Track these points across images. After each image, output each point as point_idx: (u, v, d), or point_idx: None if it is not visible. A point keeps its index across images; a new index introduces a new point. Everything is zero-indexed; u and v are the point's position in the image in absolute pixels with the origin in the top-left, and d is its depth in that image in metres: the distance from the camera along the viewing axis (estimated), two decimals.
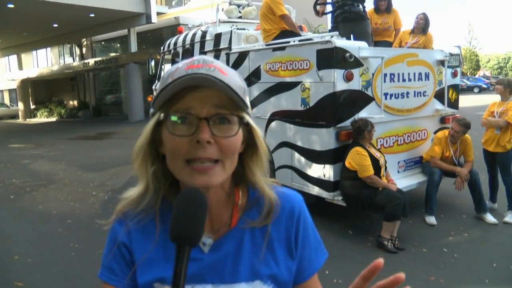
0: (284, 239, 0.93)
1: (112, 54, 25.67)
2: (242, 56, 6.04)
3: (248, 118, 0.83)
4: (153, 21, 18.71)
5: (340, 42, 4.58)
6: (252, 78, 5.79)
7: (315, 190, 4.95)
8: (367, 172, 4.39)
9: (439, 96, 5.65)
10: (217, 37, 6.97)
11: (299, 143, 5.10)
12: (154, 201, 0.89)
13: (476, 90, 36.31)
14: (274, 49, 5.42)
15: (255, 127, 0.86)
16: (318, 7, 5.67)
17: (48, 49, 31.01)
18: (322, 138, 4.79)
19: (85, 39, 26.33)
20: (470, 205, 5.45)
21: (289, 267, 0.93)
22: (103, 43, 27.54)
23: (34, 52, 32.13)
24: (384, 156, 4.71)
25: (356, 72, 4.65)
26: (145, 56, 19.43)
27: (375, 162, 4.47)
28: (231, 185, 0.91)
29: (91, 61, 24.05)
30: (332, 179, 4.71)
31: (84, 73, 26.92)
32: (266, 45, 5.67)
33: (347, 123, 4.67)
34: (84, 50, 27.09)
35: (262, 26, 5.73)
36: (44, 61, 32.04)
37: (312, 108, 4.87)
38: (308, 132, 4.97)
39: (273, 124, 5.49)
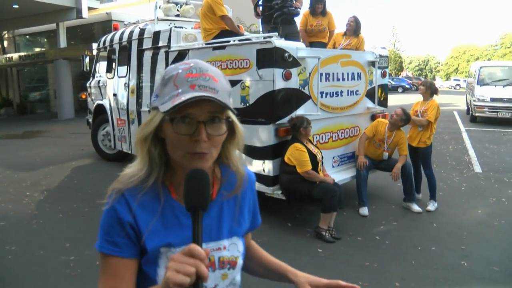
0: (249, 204, 1.25)
1: (38, 49, 24.31)
2: (182, 54, 6.08)
3: (232, 116, 1.06)
4: (83, 16, 17.93)
5: (279, 42, 4.77)
6: None
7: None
8: (305, 167, 4.62)
9: (370, 95, 6.04)
10: (156, 35, 6.95)
11: None
12: (158, 177, 1.07)
13: (400, 90, 38.76)
14: (214, 48, 5.51)
15: (236, 120, 1.09)
16: (257, 9, 5.84)
17: None
18: (262, 135, 4.96)
19: (6, 31, 24.72)
20: (398, 196, 5.90)
21: (249, 225, 1.27)
22: (27, 37, 25.98)
23: None
24: (321, 152, 4.97)
25: (294, 71, 4.87)
26: (75, 52, 18.65)
27: (313, 157, 4.72)
28: (213, 163, 1.12)
29: (15, 56, 22.57)
30: (271, 174, 4.90)
31: (7, 68, 25.22)
32: (206, 44, 5.76)
33: (286, 120, 4.88)
34: (5, 43, 25.40)
35: (203, 25, 5.79)
36: None
37: (252, 106, 5.03)
38: (247, 129, 5.11)
39: None
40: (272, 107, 4.84)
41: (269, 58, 4.77)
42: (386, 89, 6.41)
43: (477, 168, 7.91)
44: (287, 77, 4.79)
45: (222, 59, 5.37)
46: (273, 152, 4.91)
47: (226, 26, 5.64)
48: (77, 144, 11.62)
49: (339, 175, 5.53)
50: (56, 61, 19.46)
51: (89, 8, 18.71)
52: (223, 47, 5.39)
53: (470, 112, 15.65)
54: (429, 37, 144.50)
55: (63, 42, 19.59)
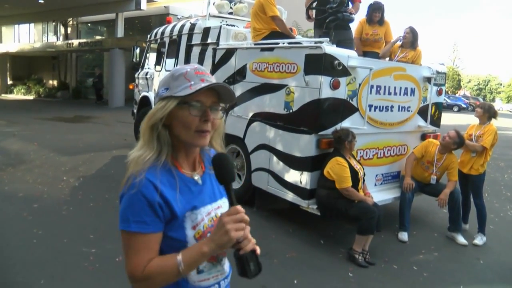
0: None
1: (98, 37, 25.11)
2: (229, 53, 5.92)
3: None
4: (142, 7, 18.36)
5: (330, 48, 4.50)
6: (237, 76, 5.68)
7: (290, 196, 4.87)
8: (345, 184, 4.32)
9: (423, 112, 5.65)
10: (206, 31, 6.83)
11: (278, 147, 5.01)
12: (167, 156, 1.31)
13: (455, 109, 37.10)
14: (262, 49, 5.32)
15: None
16: (310, 12, 5.56)
17: (32, 25, 30.14)
18: (302, 144, 4.71)
19: (71, 19, 25.71)
20: (443, 223, 5.47)
21: None
22: (89, 25, 26.91)
23: (16, 26, 31.19)
24: (363, 169, 4.65)
25: (343, 80, 4.58)
26: (131, 43, 18.93)
27: (354, 174, 4.41)
28: None
29: (75, 42, 23.40)
30: (308, 186, 4.64)
31: (67, 53, 26.19)
32: (255, 44, 5.57)
33: (329, 131, 4.60)
34: (69, 30, 26.42)
35: (253, 25, 5.61)
36: (26, 37, 31.08)
37: (295, 113, 4.78)
38: (288, 136, 4.88)
39: (254, 124, 5.38)
40: (316, 116, 4.58)
41: (317, 64, 4.51)
42: (440, 108, 5.97)
43: None
44: (335, 86, 4.51)
45: (269, 61, 5.16)
46: (313, 164, 4.64)
47: (276, 27, 5.42)
48: (122, 133, 11.78)
49: (381, 195, 5.18)
50: (112, 50, 19.98)
51: (148, 1, 19.07)
52: (271, 49, 5.18)
53: None
54: (492, 57, 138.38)
55: (120, 32, 20.10)
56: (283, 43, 5.10)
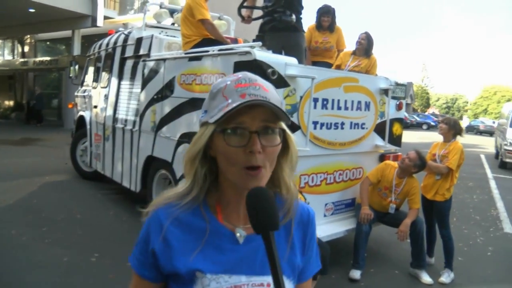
0: (302, 240, 1.08)
1: (54, 56, 24.07)
2: (158, 64, 5.14)
3: (284, 127, 0.99)
4: (98, 24, 17.49)
5: (261, 54, 3.74)
6: (166, 91, 4.89)
7: None
8: None
9: (380, 130, 4.93)
10: (138, 42, 6.03)
11: None
12: (198, 195, 1.00)
13: (424, 127, 37.44)
14: (191, 59, 4.54)
15: (289, 132, 1.01)
16: (243, 11, 4.77)
17: None
18: None
19: (28, 36, 24.59)
20: (405, 259, 4.71)
21: (300, 265, 1.08)
22: (48, 43, 25.80)
23: None
24: (305, 198, 3.86)
25: (279, 93, 3.81)
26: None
27: None
28: None
29: (31, 61, 22.35)
30: None
31: (24, 72, 25.03)
32: (184, 53, 4.79)
33: None
34: (26, 48, 25.25)
35: (182, 31, 4.85)
36: None
37: None
38: None
39: (181, 148, 4.55)
40: None
41: None
42: (401, 125, 5.28)
43: (508, 227, 6.58)
44: None
45: (197, 72, 4.39)
46: None
47: (208, 33, 4.66)
48: (66, 156, 10.73)
49: (331, 228, 4.41)
50: (67, 69, 18.97)
51: (106, 18, 18.22)
52: (199, 58, 4.40)
53: (500, 157, 14.29)
54: (459, 75, 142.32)
55: (77, 50, 19.15)
56: (213, 51, 4.32)
